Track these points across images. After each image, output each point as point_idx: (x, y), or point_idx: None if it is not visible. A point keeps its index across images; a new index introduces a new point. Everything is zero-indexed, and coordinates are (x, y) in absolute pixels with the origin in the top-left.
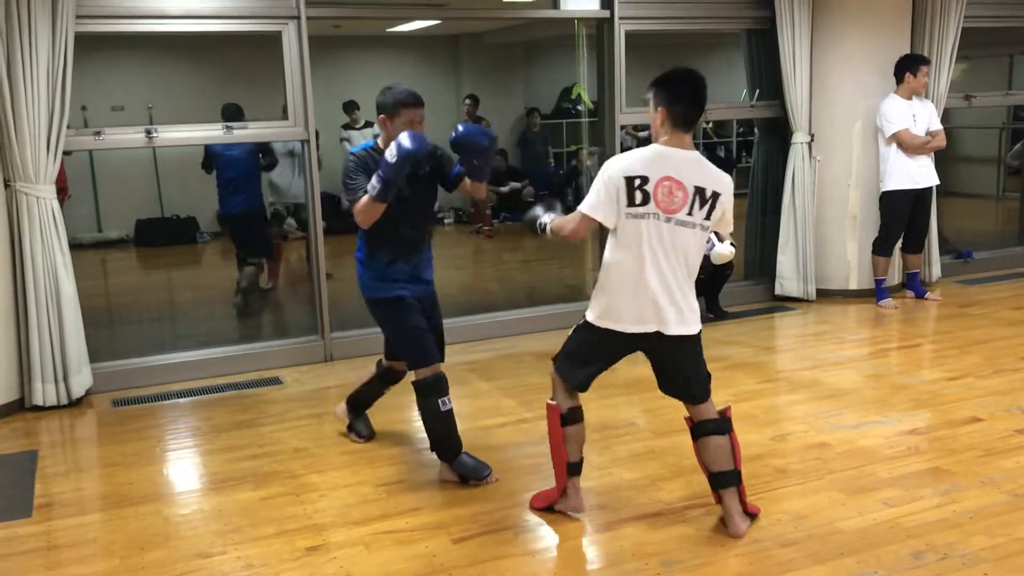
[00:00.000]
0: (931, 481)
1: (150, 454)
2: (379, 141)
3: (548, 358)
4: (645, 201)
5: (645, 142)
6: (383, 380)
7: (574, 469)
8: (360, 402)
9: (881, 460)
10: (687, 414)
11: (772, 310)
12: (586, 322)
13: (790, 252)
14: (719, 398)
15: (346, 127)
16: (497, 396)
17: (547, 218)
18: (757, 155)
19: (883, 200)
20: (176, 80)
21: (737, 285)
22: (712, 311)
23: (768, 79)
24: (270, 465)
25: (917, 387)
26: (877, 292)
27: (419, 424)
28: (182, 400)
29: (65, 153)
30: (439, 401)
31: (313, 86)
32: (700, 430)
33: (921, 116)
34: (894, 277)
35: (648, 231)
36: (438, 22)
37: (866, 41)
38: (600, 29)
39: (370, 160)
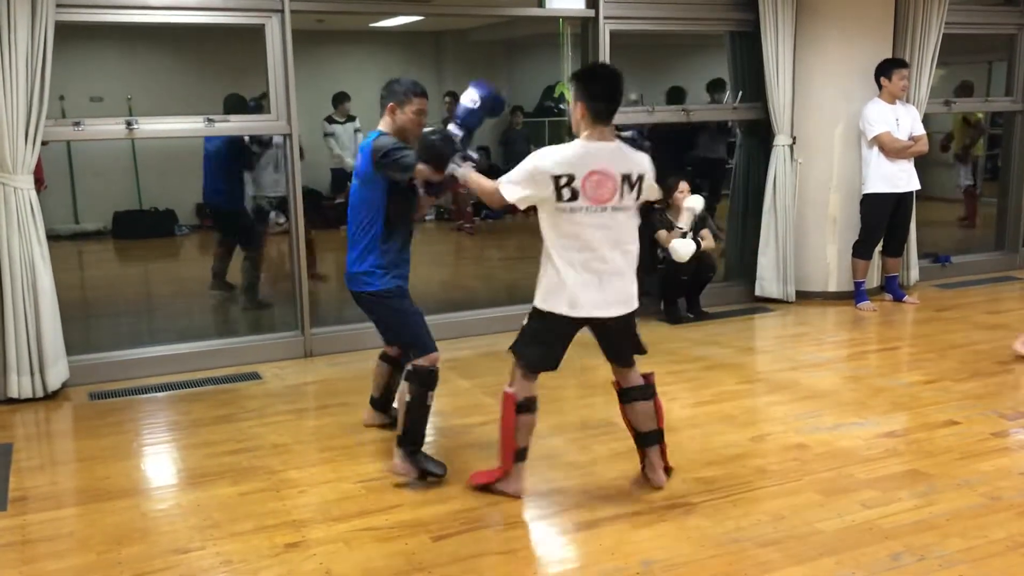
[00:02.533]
0: (908, 483)
1: (127, 448)
2: (382, 129)
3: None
4: (574, 197)
5: (628, 141)
6: (397, 368)
7: (521, 455)
8: (389, 402)
9: (859, 462)
10: (614, 379)
11: (752, 311)
12: (539, 310)
13: (770, 253)
14: (699, 397)
15: (329, 120)
16: (477, 394)
17: (459, 168)
18: (739, 157)
19: (864, 203)
20: (156, 72)
21: (717, 286)
22: (692, 311)
23: (751, 81)
24: (249, 461)
25: (895, 390)
26: (856, 294)
27: None
28: (160, 394)
29: (42, 143)
30: (428, 393)
31: (296, 80)
32: (627, 396)
33: (904, 120)
34: (873, 280)
35: (584, 221)
36: (421, 18)
37: (849, 45)
38: (585, 28)
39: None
